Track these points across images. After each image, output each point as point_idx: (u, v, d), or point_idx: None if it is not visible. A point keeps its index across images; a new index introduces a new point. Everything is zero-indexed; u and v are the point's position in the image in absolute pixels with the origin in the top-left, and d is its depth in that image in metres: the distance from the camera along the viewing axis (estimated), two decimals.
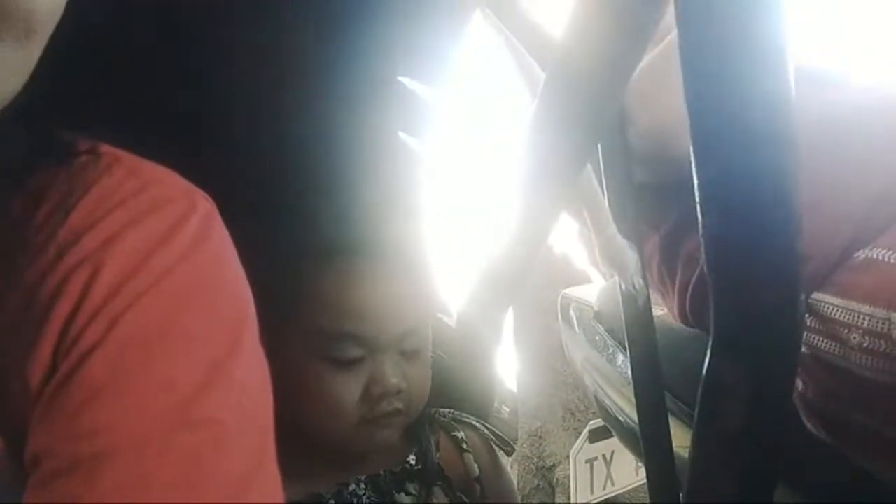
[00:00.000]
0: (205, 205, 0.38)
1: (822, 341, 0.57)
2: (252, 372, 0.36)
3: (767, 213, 0.46)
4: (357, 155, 0.77)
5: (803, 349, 0.59)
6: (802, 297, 0.57)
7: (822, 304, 0.58)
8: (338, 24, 0.73)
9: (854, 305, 0.55)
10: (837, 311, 0.56)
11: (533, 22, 0.65)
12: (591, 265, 1.99)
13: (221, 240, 0.39)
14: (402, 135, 0.82)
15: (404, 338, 0.62)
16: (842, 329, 0.55)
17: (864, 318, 0.53)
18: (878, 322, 0.52)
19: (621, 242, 0.65)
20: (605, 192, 0.69)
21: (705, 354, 0.51)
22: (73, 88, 0.57)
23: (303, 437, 0.61)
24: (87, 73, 0.60)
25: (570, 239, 2.02)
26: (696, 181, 0.47)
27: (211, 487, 0.32)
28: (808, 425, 0.61)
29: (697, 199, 0.48)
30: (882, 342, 0.52)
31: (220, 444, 0.33)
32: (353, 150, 0.77)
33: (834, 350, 0.56)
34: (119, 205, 0.36)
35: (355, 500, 0.63)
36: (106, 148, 0.39)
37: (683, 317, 0.77)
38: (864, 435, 0.55)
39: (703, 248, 0.49)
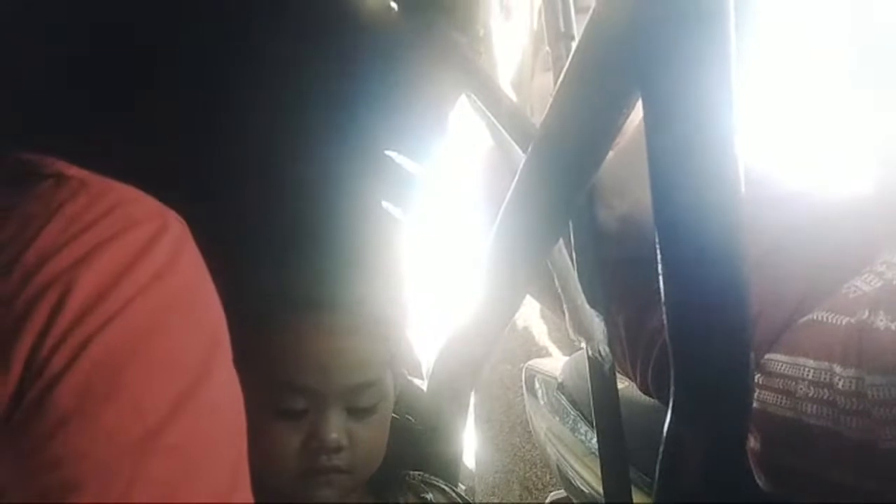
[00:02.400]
0: (177, 225, 0.38)
1: (772, 396, 0.63)
2: (224, 396, 0.36)
3: (722, 289, 0.51)
4: (336, 216, 0.81)
5: (756, 406, 0.64)
6: (753, 364, 0.63)
7: (773, 362, 0.64)
8: (332, 97, 0.78)
9: (800, 360, 0.61)
10: (785, 366, 0.62)
11: (513, 108, 0.72)
12: (552, 341, 2.04)
13: (194, 261, 0.38)
14: (385, 204, 0.87)
15: (354, 393, 0.62)
16: (790, 382, 0.61)
17: (808, 371, 0.60)
18: (820, 373, 0.58)
19: (589, 311, 0.70)
20: (575, 264, 0.74)
21: (664, 425, 0.55)
22: (38, 110, 0.59)
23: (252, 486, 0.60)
24: (54, 96, 0.62)
25: (531, 314, 2.07)
26: (658, 258, 0.52)
27: None
28: (760, 482, 0.65)
29: (660, 272, 0.53)
30: (825, 391, 0.58)
31: (192, 471, 0.32)
32: (332, 212, 0.80)
33: (782, 403, 0.62)
34: (88, 227, 0.34)
35: None
36: (73, 170, 0.38)
37: (646, 388, 0.82)
38: (808, 480, 0.60)
39: (664, 317, 0.54)
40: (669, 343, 0.54)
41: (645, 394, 0.85)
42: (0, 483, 0.31)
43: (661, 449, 0.55)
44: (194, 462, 0.33)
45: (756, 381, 0.65)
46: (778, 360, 0.64)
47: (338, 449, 0.60)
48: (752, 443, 0.65)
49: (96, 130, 0.64)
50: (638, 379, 0.84)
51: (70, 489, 0.30)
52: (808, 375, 0.60)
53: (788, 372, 0.62)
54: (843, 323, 0.60)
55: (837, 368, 0.57)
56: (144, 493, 0.31)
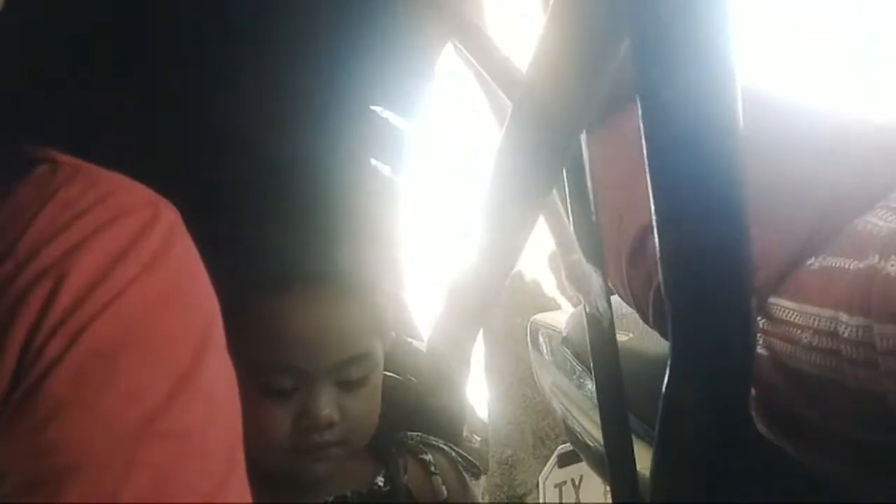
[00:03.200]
0: (169, 213, 0.38)
1: (778, 343, 0.60)
2: (219, 381, 0.36)
3: (721, 242, 0.48)
4: (324, 176, 0.79)
5: (762, 352, 0.62)
6: (755, 319, 0.61)
7: (778, 307, 0.61)
8: (315, 51, 0.75)
9: (806, 308, 0.58)
10: (790, 313, 0.59)
11: (500, 56, 0.68)
12: (561, 292, 2.02)
13: (186, 248, 0.38)
14: (374, 162, 0.84)
15: (344, 368, 0.61)
16: (794, 330, 0.58)
17: (813, 319, 0.57)
18: (825, 321, 0.55)
19: (586, 267, 0.67)
20: (571, 218, 0.72)
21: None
22: (34, 99, 0.58)
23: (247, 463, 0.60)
24: (49, 85, 0.61)
25: (540, 266, 2.05)
26: (652, 212, 0.50)
27: (178, 500, 0.31)
28: (766, 431, 0.64)
29: (654, 225, 0.50)
30: (829, 340, 0.55)
31: (188, 457, 0.32)
32: (320, 173, 0.78)
33: (788, 351, 0.59)
34: (80, 215, 0.35)
35: None
36: (65, 158, 0.38)
37: (644, 314, 0.79)
38: (811, 430, 0.58)
39: (660, 272, 0.52)
40: (665, 295, 0.52)
41: (645, 322, 0.82)
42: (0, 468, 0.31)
43: (660, 406, 0.54)
44: (191, 447, 0.33)
45: (761, 325, 0.62)
46: (784, 305, 0.61)
47: (330, 425, 0.60)
48: (759, 391, 0.63)
49: (82, 111, 0.62)
50: (635, 302, 0.81)
51: (67, 474, 0.30)
52: (813, 323, 0.57)
53: (794, 319, 0.59)
54: (852, 268, 0.56)
55: (843, 317, 0.54)
56: (141, 478, 0.31)
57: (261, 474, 0.58)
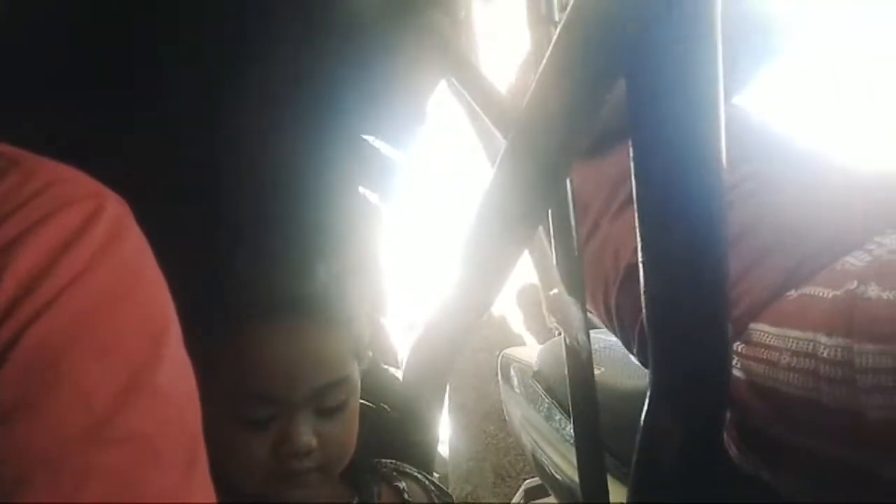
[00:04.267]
0: (115, 205, 0.35)
1: (755, 365, 0.64)
2: (176, 379, 0.34)
3: (702, 283, 0.51)
4: (312, 202, 0.79)
5: (741, 376, 0.65)
6: (732, 354, 0.64)
7: (757, 332, 0.65)
8: (308, 79, 0.76)
9: (785, 331, 0.62)
10: (770, 337, 0.63)
11: (494, 93, 0.71)
12: (527, 328, 2.05)
13: (135, 242, 0.36)
14: (362, 190, 0.86)
15: (322, 394, 0.60)
16: (773, 353, 0.62)
17: (792, 341, 0.61)
18: (804, 343, 0.59)
19: (567, 299, 0.70)
20: (554, 252, 0.74)
21: (640, 412, 0.56)
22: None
23: (221, 492, 0.59)
24: (29, 69, 0.60)
25: (507, 302, 2.08)
26: (639, 245, 0.52)
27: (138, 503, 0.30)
28: (740, 457, 0.66)
29: (640, 260, 0.53)
30: (808, 360, 0.58)
31: (146, 460, 0.31)
32: (308, 198, 0.79)
33: (764, 372, 0.63)
34: (19, 207, 0.32)
35: None
36: (3, 148, 0.35)
37: (629, 345, 0.82)
38: (789, 450, 0.61)
39: (643, 306, 0.54)
40: (648, 328, 0.54)
41: (626, 346, 0.84)
42: None
43: (638, 437, 0.55)
44: (148, 450, 0.31)
45: (739, 350, 0.66)
46: (763, 330, 0.65)
47: (309, 452, 0.59)
48: (736, 414, 0.66)
49: (68, 119, 0.62)
50: (619, 331, 0.84)
51: (17, 486, 0.28)
52: (791, 346, 0.61)
53: (773, 343, 0.63)
54: (829, 296, 0.60)
55: (823, 338, 0.58)
56: (97, 486, 0.29)
57: (239, 499, 0.58)
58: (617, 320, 0.83)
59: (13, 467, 0.28)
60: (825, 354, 0.57)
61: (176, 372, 0.34)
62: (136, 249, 0.36)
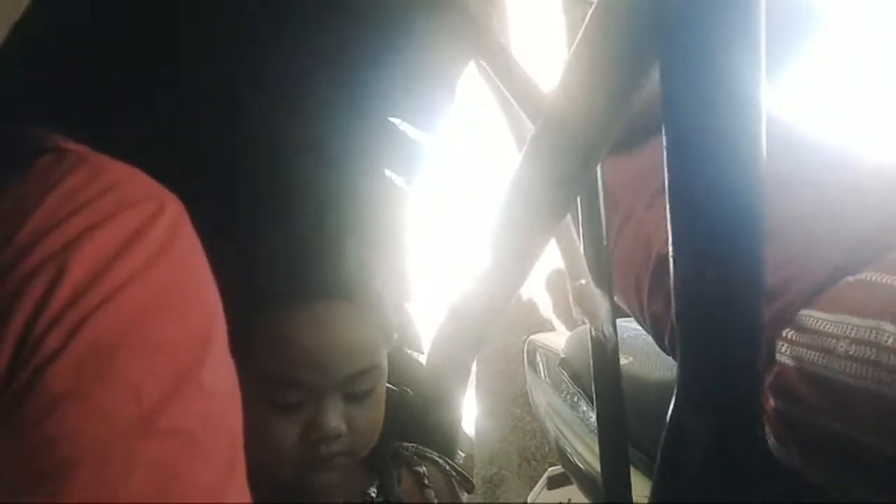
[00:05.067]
0: (173, 207, 0.37)
1: (807, 353, 0.61)
2: (220, 380, 0.36)
3: (737, 274, 0.49)
4: (338, 185, 0.79)
5: (789, 363, 0.62)
6: (763, 353, 0.61)
7: (809, 318, 0.62)
8: (337, 62, 0.75)
9: (842, 318, 0.59)
10: (825, 323, 0.60)
11: (524, 77, 0.69)
12: (556, 314, 2.03)
13: (190, 243, 0.37)
14: (388, 173, 0.85)
15: (352, 381, 0.61)
16: (829, 340, 0.59)
17: (851, 329, 0.57)
18: (866, 331, 0.56)
19: (594, 290, 0.68)
20: (582, 242, 0.72)
21: (667, 403, 0.54)
22: (43, 84, 0.58)
23: (249, 479, 0.60)
24: (62, 70, 0.61)
25: (536, 287, 2.06)
26: (669, 238, 0.50)
27: (179, 498, 0.31)
28: (780, 448, 0.64)
29: (671, 252, 0.51)
30: (869, 350, 0.55)
31: (188, 454, 0.32)
32: (334, 181, 0.78)
33: (818, 360, 0.59)
34: (84, 206, 0.34)
35: None
36: (72, 145, 0.37)
37: (658, 334, 0.80)
38: (840, 443, 0.58)
39: (673, 298, 0.52)
40: (677, 324, 0.52)
41: (653, 336, 0.82)
42: None
43: (663, 434, 0.54)
44: (192, 445, 0.32)
45: (789, 336, 0.63)
46: (815, 316, 0.61)
47: (338, 437, 0.60)
48: (779, 402, 0.63)
49: (102, 112, 0.62)
50: (649, 320, 0.82)
51: (66, 469, 0.29)
52: (850, 333, 0.57)
53: (828, 329, 0.60)
54: (894, 282, 0.57)
55: (888, 326, 0.54)
56: (141, 475, 0.30)
57: (267, 485, 0.58)
58: (649, 313, 0.81)
59: (63, 448, 0.29)
60: (890, 342, 0.54)
61: (220, 373, 0.36)
62: (190, 251, 0.37)
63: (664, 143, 0.47)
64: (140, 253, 0.34)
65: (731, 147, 0.45)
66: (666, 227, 0.47)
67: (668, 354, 0.82)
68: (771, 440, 0.65)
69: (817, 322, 0.61)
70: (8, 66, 0.33)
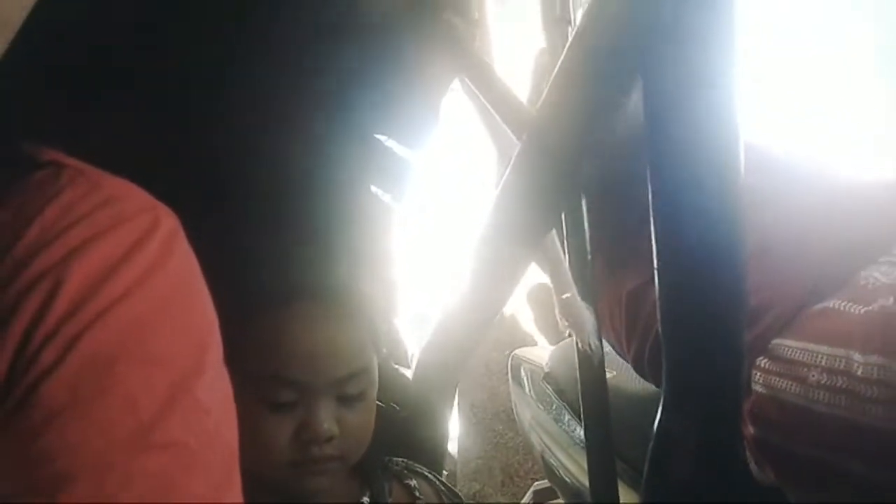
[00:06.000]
0: (168, 221, 0.37)
1: (780, 381, 0.62)
2: (216, 394, 0.36)
3: (720, 287, 0.50)
4: (324, 201, 0.79)
5: (763, 391, 0.63)
6: (746, 363, 0.63)
7: (781, 347, 0.63)
8: (322, 78, 0.76)
9: (812, 346, 0.60)
10: (796, 352, 0.61)
11: (508, 93, 0.70)
12: (538, 328, 2.04)
13: (185, 257, 0.38)
14: (374, 189, 0.85)
15: (344, 383, 0.62)
16: (800, 369, 0.60)
17: (822, 358, 0.59)
18: (836, 360, 0.58)
19: (580, 304, 0.69)
20: (567, 255, 0.73)
21: (652, 416, 0.55)
22: (40, 98, 0.58)
23: (242, 476, 0.60)
24: (57, 84, 0.61)
25: (518, 301, 2.07)
26: (654, 253, 0.52)
27: None
28: (759, 472, 0.65)
29: (655, 268, 0.52)
30: (841, 379, 0.57)
31: (184, 467, 0.32)
32: (320, 196, 0.79)
33: (792, 389, 0.61)
34: (81, 219, 0.34)
35: None
36: (69, 160, 0.37)
37: (640, 367, 0.81)
38: (818, 469, 0.59)
39: (658, 313, 0.53)
40: (662, 335, 0.54)
41: (637, 371, 0.84)
42: None
43: (650, 445, 0.55)
44: (188, 458, 0.32)
45: (762, 365, 0.64)
46: (787, 345, 0.63)
47: (330, 438, 0.60)
48: (757, 430, 0.64)
49: (89, 122, 0.63)
50: (631, 355, 0.83)
51: (63, 482, 0.29)
52: (821, 362, 0.59)
53: (799, 358, 0.61)
54: (861, 311, 0.59)
55: (857, 356, 0.56)
56: (138, 488, 0.30)
57: (258, 487, 0.58)
58: (626, 344, 0.83)
59: (60, 461, 0.29)
60: (860, 373, 0.55)
61: (215, 385, 0.36)
62: (184, 264, 0.37)
63: (648, 162, 0.48)
64: (136, 267, 0.34)
65: (713, 162, 0.47)
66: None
67: (649, 381, 0.83)
68: (751, 465, 0.67)
69: (789, 351, 0.63)
70: (5, 81, 0.33)
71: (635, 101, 0.52)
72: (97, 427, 0.31)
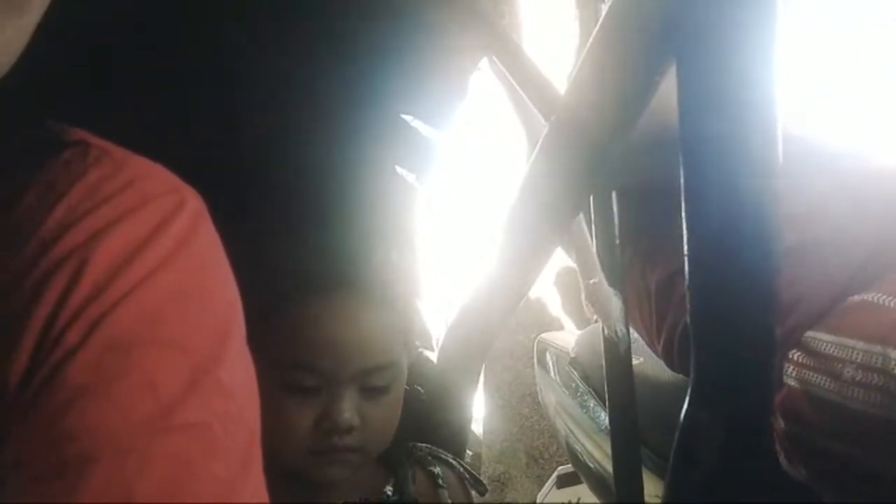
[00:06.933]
0: (193, 202, 0.37)
1: (814, 376, 0.60)
2: (238, 376, 0.35)
3: (752, 280, 0.49)
4: (351, 185, 0.79)
5: (796, 385, 0.62)
6: (778, 353, 0.61)
7: (815, 340, 0.61)
8: (348, 59, 0.75)
9: (847, 341, 0.58)
10: (830, 346, 0.59)
11: (537, 73, 0.68)
12: (565, 312, 2.02)
13: (209, 239, 0.37)
14: (399, 170, 0.85)
15: (369, 375, 0.62)
16: (835, 364, 0.58)
17: (857, 354, 0.57)
18: (872, 357, 0.56)
19: (607, 290, 0.68)
20: (595, 240, 0.72)
21: (678, 404, 0.54)
22: (67, 78, 0.58)
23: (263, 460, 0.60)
24: (83, 64, 0.62)
25: (545, 285, 2.05)
26: (685, 238, 0.50)
27: (196, 492, 0.31)
28: (789, 466, 0.63)
29: (686, 254, 0.50)
30: (877, 376, 0.55)
31: (205, 449, 0.32)
32: (348, 180, 0.78)
33: (825, 385, 0.59)
34: (105, 200, 0.34)
35: None
36: (95, 140, 0.37)
37: (669, 358, 0.80)
38: (848, 467, 0.58)
39: (687, 300, 0.52)
40: (691, 325, 0.52)
41: (666, 363, 0.82)
42: (14, 454, 0.31)
43: (676, 435, 0.53)
44: (209, 440, 0.32)
45: (795, 358, 0.63)
46: (821, 339, 0.61)
47: (350, 429, 0.60)
48: (787, 424, 0.62)
49: (115, 104, 0.63)
50: (661, 346, 0.82)
51: (84, 464, 0.29)
52: (856, 358, 0.57)
53: (834, 353, 0.59)
54: None
55: (893, 353, 0.54)
56: (158, 470, 0.30)
57: (277, 472, 0.59)
58: (655, 335, 0.81)
59: (81, 443, 0.30)
60: None
61: (238, 369, 0.35)
62: (209, 246, 0.37)
63: (680, 147, 0.47)
64: (159, 249, 0.34)
65: (748, 150, 0.45)
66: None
67: (678, 373, 0.81)
68: (781, 458, 0.65)
69: (823, 345, 0.61)
70: (29, 66, 0.33)
71: (666, 90, 0.50)
72: (118, 409, 0.31)
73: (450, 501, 0.71)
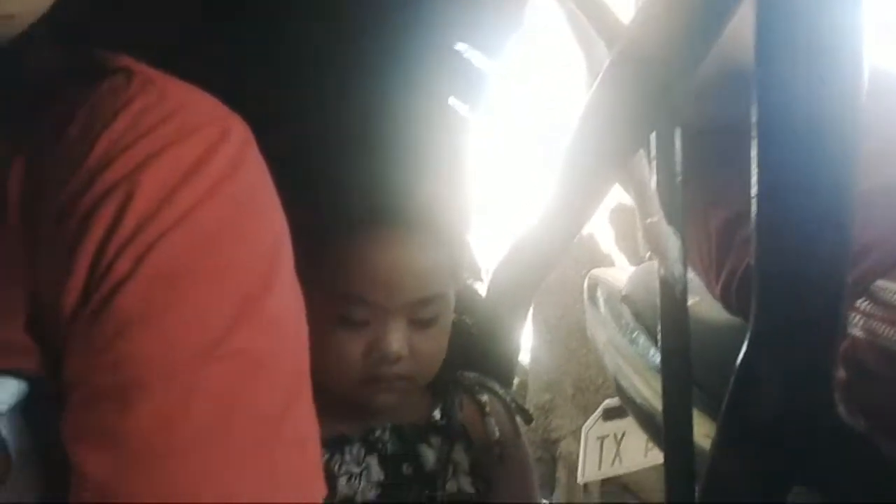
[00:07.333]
0: (238, 131, 0.36)
1: (882, 327, 0.59)
2: (286, 306, 0.35)
3: (824, 217, 0.46)
4: (402, 116, 0.78)
5: (861, 335, 0.60)
6: (845, 303, 0.58)
7: (886, 290, 0.59)
8: None
9: None
10: None
11: (600, 2, 0.65)
12: (618, 248, 1.99)
13: (256, 168, 0.37)
14: (452, 100, 0.82)
15: (417, 307, 0.63)
16: None
17: None
18: None
19: (666, 229, 0.66)
20: (656, 178, 0.69)
21: (734, 346, 0.52)
22: (112, 7, 0.58)
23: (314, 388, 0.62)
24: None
25: (597, 221, 2.01)
26: (754, 178, 0.47)
27: (244, 418, 0.32)
28: (848, 417, 0.62)
29: (754, 193, 0.48)
30: None
31: (254, 376, 0.32)
32: (399, 111, 0.77)
33: (893, 336, 0.57)
34: (153, 128, 0.34)
35: (380, 445, 0.66)
36: (139, 67, 0.37)
37: (728, 301, 0.78)
38: None
39: (753, 240, 0.50)
40: (755, 266, 0.50)
41: (724, 305, 0.80)
42: (68, 376, 0.32)
43: (731, 379, 0.52)
44: (254, 371, 0.33)
45: (862, 307, 0.60)
46: (891, 288, 0.59)
47: (398, 359, 0.62)
48: (851, 375, 0.61)
49: (164, 37, 0.62)
50: (719, 288, 0.80)
51: (132, 390, 0.30)
52: None
53: None
54: None
55: None
56: (205, 399, 0.31)
57: (326, 401, 0.61)
58: (715, 279, 0.78)
59: (130, 371, 0.31)
60: None
61: (285, 300, 0.36)
62: (255, 176, 0.37)
63: (754, 89, 0.44)
64: (205, 179, 0.34)
65: (831, 92, 0.42)
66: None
67: (732, 314, 0.79)
68: (841, 409, 0.63)
69: (892, 295, 0.59)
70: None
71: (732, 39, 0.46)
72: (166, 340, 0.31)
73: (496, 429, 0.72)
